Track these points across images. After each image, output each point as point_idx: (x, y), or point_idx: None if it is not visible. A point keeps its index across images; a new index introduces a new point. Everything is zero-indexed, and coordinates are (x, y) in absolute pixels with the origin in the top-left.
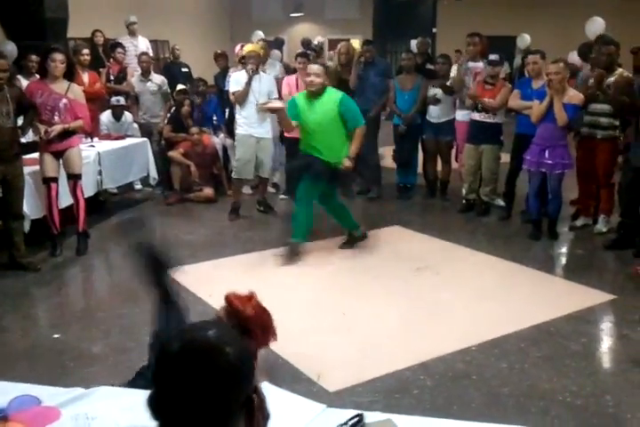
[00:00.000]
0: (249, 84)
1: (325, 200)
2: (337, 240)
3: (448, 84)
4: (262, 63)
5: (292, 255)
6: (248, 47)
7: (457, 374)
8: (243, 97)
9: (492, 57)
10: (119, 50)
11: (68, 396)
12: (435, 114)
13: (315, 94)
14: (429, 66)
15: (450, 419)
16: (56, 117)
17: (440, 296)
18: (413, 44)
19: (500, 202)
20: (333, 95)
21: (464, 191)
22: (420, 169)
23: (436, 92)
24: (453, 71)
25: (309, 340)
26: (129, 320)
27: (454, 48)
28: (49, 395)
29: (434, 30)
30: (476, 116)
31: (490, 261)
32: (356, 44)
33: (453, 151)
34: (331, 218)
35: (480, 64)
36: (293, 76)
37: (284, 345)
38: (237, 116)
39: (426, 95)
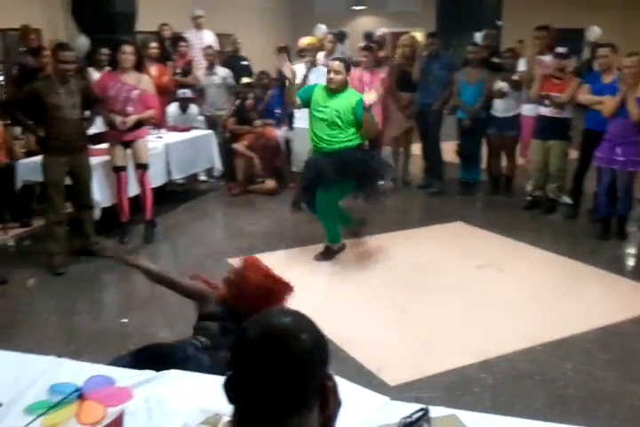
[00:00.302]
0: (307, 76)
1: (322, 205)
2: (398, 234)
3: (515, 77)
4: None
5: (331, 255)
6: (306, 40)
7: (520, 373)
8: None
9: (560, 50)
10: (182, 43)
11: (139, 378)
12: (500, 108)
13: (334, 91)
14: (495, 59)
15: (514, 417)
16: (129, 108)
17: (503, 294)
18: (478, 36)
19: (567, 199)
20: (353, 95)
21: (529, 188)
22: (483, 164)
23: (502, 85)
24: (521, 65)
25: (370, 333)
26: (191, 307)
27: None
28: (121, 376)
29: (499, 23)
30: (544, 110)
31: (555, 260)
32: (419, 36)
33: (519, 146)
34: (392, 210)
35: (548, 57)
36: (356, 70)
37: (345, 338)
38: (295, 109)
39: (491, 89)
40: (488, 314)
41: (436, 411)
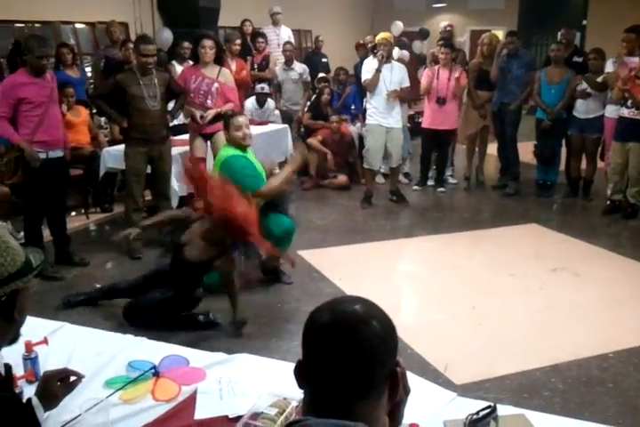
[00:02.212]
0: (379, 70)
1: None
2: (470, 234)
3: (599, 79)
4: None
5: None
6: (380, 35)
7: (591, 379)
8: (373, 84)
9: None
10: (260, 39)
11: (212, 359)
12: (582, 109)
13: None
14: (576, 58)
15: (585, 421)
16: (209, 101)
17: (577, 299)
18: (558, 36)
19: None
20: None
21: (609, 191)
22: (562, 166)
23: (586, 86)
24: (609, 66)
25: (438, 331)
26: (264, 296)
27: (606, 41)
28: (195, 357)
29: (584, 22)
30: (625, 112)
31: (633, 267)
32: (500, 35)
33: (600, 149)
34: (465, 210)
35: (636, 59)
36: (435, 67)
37: (413, 335)
38: (367, 105)
39: (574, 89)
40: (560, 318)
41: (503, 409)
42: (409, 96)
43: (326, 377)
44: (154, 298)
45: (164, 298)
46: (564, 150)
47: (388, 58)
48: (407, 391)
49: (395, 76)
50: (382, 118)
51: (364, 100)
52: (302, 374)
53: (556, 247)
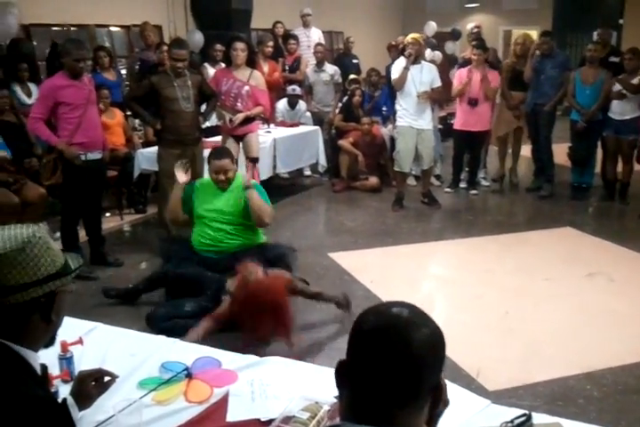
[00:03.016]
0: (406, 68)
1: None
2: (502, 237)
3: (635, 81)
4: None
5: None
6: (410, 35)
7: (627, 388)
8: (400, 83)
9: None
10: (292, 41)
11: (244, 362)
12: (618, 110)
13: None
14: (613, 58)
15: None
16: (239, 104)
17: (612, 305)
18: (594, 36)
19: None
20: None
21: None
22: (597, 168)
23: (620, 87)
24: None
25: (470, 336)
26: (295, 299)
27: None
28: (227, 359)
29: (620, 22)
30: None
31: None
32: (534, 35)
33: (636, 151)
34: (498, 213)
35: None
36: (465, 69)
37: (445, 339)
38: (397, 106)
39: (610, 90)
40: (595, 324)
41: (538, 418)
42: (440, 97)
43: (370, 381)
44: (188, 311)
45: (199, 310)
46: (599, 152)
47: (417, 58)
48: (446, 404)
49: (424, 76)
50: (413, 120)
51: (396, 101)
52: (344, 375)
53: (592, 252)
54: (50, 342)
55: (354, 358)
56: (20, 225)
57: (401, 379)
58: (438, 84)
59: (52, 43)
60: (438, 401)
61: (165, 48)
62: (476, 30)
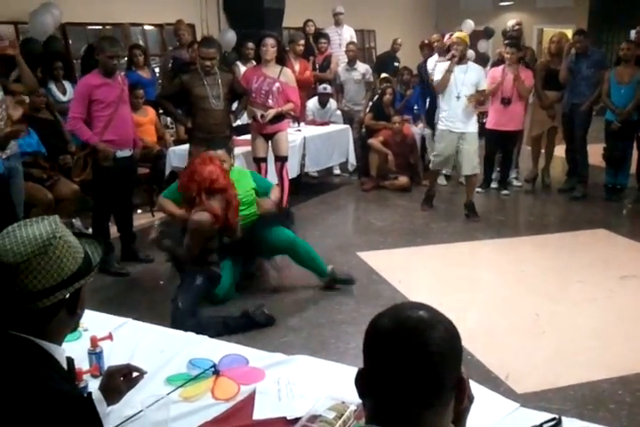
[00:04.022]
0: (449, 71)
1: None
2: (535, 239)
3: None
4: None
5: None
6: (457, 34)
7: None
8: (442, 86)
9: None
10: (322, 40)
11: (271, 360)
12: None
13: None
14: None
15: None
16: (270, 101)
17: None
18: (633, 34)
19: None
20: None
21: None
22: (632, 169)
23: None
24: None
25: (500, 338)
26: (323, 297)
27: None
28: (254, 357)
29: None
30: None
31: None
32: (569, 34)
33: None
34: (530, 214)
35: None
36: (500, 68)
37: (474, 341)
38: (439, 109)
39: None
40: (628, 328)
41: (568, 422)
42: (486, 99)
43: (392, 386)
44: (190, 294)
45: (198, 288)
46: (635, 153)
47: (462, 58)
48: (471, 399)
49: (469, 78)
50: (452, 123)
51: (427, 100)
52: (364, 384)
53: (626, 254)
54: (73, 329)
55: (372, 365)
56: (36, 220)
57: (422, 379)
58: (484, 86)
59: (89, 44)
60: (463, 396)
61: (197, 46)
62: (517, 27)
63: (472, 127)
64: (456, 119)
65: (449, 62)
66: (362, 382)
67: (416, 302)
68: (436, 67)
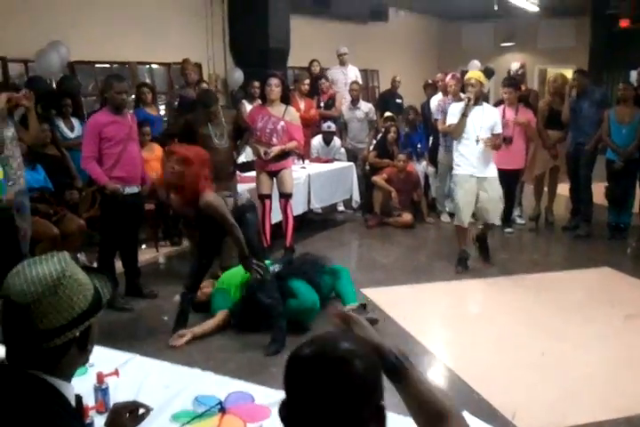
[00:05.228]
0: (465, 115)
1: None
2: (539, 277)
3: None
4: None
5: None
6: (469, 73)
7: None
8: (458, 131)
9: None
10: (322, 81)
11: (277, 397)
12: None
13: None
14: None
15: None
16: (274, 139)
17: None
18: (633, 74)
19: None
20: None
21: None
22: (636, 208)
23: None
24: None
25: (505, 376)
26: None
27: None
28: (260, 394)
29: None
30: None
31: None
32: (569, 74)
33: None
34: (533, 252)
35: None
36: (500, 108)
37: (479, 379)
38: (455, 153)
39: None
40: (635, 367)
41: None
42: (501, 143)
43: (310, 415)
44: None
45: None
46: (638, 191)
47: (477, 100)
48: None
49: (486, 120)
50: (472, 167)
51: (430, 138)
52: (287, 415)
53: (631, 293)
54: (83, 363)
55: (291, 395)
56: (45, 257)
57: (340, 409)
58: (499, 130)
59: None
60: (382, 425)
61: (204, 85)
62: (521, 71)
63: (493, 171)
64: (478, 163)
65: (463, 104)
66: (284, 413)
67: (340, 334)
68: (450, 108)
